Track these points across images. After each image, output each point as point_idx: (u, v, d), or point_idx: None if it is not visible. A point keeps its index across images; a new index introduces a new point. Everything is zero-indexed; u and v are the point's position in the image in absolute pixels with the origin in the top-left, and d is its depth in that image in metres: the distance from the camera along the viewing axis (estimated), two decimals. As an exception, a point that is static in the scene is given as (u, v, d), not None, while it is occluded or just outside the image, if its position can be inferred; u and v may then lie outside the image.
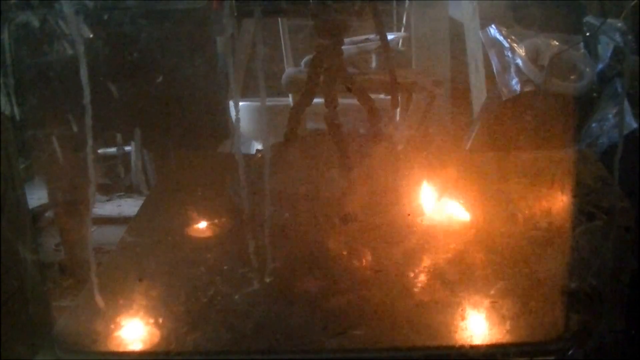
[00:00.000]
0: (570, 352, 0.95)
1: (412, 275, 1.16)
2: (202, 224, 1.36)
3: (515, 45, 2.01)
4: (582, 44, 1.97)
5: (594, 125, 1.83)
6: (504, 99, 2.00)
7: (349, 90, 1.38)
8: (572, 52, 1.97)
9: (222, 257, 1.23)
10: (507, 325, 1.00)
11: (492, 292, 1.08)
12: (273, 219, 1.22)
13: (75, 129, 1.08)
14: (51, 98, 1.47)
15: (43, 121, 1.43)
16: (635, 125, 1.67)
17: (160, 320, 1.04)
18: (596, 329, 0.97)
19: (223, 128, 1.90)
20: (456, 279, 1.12)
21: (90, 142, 0.98)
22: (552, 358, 0.96)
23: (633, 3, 1.87)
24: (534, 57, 1.97)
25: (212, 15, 1.69)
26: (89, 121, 0.95)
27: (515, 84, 1.98)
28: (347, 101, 1.44)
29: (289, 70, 2.25)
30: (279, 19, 2.20)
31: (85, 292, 1.10)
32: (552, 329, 0.99)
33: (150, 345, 1.00)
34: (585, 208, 1.30)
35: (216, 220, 1.36)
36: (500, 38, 2.04)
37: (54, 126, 1.34)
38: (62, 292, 1.40)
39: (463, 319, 1.02)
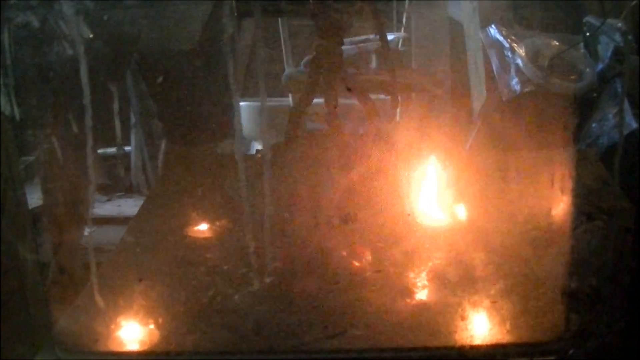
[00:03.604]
0: (570, 352, 0.95)
1: (412, 275, 1.16)
2: (202, 224, 1.36)
3: (515, 45, 2.01)
4: (582, 44, 1.97)
5: (594, 125, 1.83)
6: (504, 99, 2.00)
7: (349, 90, 1.38)
8: (572, 52, 1.97)
9: (222, 257, 1.23)
10: (507, 325, 1.00)
11: (492, 292, 1.08)
12: (273, 219, 1.22)
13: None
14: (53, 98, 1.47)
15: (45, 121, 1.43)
16: (635, 125, 1.67)
17: (160, 321, 1.04)
18: (596, 329, 0.97)
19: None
20: (456, 279, 1.12)
21: (90, 142, 0.98)
22: (552, 358, 0.96)
23: (633, 3, 1.87)
24: (534, 57, 1.97)
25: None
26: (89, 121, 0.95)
27: (515, 84, 1.98)
28: (347, 101, 1.44)
29: (289, 70, 2.25)
30: (279, 19, 2.20)
31: (85, 292, 1.10)
32: (552, 329, 0.99)
33: (150, 346, 1.00)
34: (585, 208, 1.30)
35: (216, 220, 1.36)
36: (500, 38, 2.04)
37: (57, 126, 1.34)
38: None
39: (463, 319, 1.02)
